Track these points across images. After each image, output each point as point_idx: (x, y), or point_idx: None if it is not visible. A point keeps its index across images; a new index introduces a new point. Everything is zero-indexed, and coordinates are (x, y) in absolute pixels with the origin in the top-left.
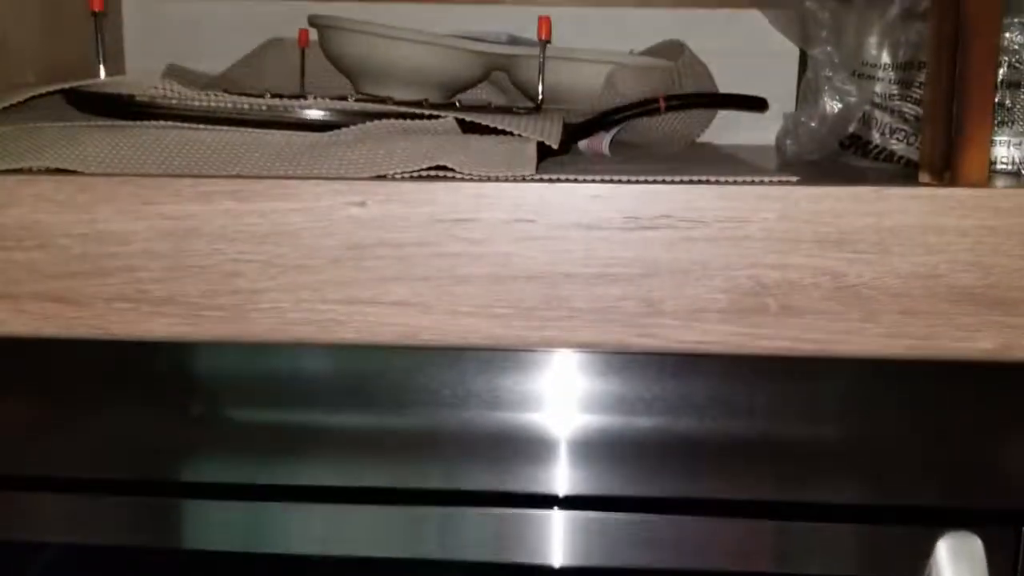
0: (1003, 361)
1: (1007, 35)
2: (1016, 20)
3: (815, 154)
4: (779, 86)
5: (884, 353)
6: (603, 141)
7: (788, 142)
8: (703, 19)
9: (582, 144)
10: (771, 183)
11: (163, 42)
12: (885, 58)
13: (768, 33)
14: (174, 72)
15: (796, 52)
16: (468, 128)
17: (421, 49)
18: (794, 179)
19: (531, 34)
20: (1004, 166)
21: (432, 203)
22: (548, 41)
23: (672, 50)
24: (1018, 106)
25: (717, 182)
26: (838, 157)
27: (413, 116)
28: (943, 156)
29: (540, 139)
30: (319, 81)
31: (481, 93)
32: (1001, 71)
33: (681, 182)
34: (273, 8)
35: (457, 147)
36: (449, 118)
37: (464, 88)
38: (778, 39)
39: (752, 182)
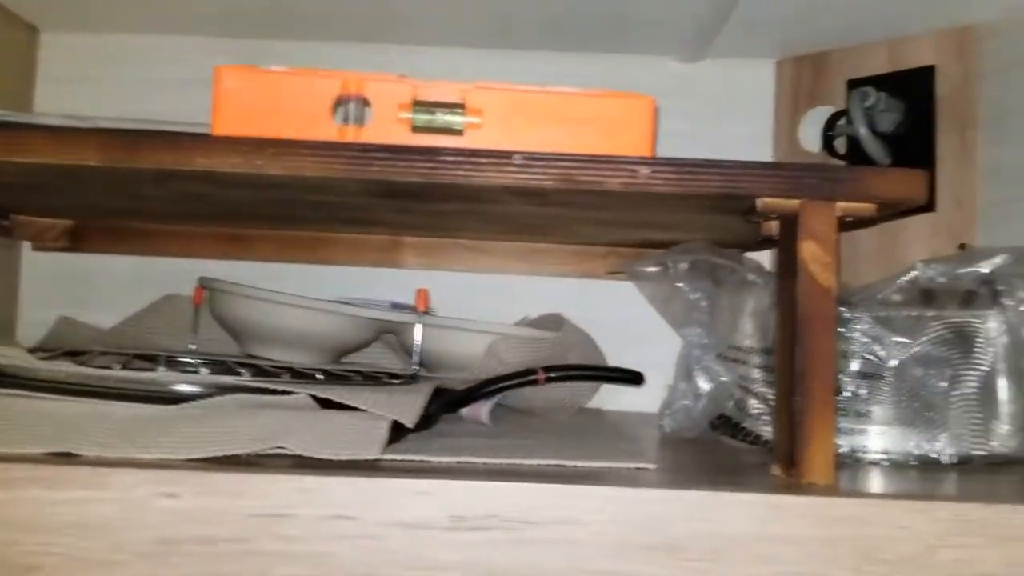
0: None
1: (857, 328)
2: (865, 314)
3: (692, 432)
4: (661, 354)
5: None
6: (483, 409)
7: (667, 418)
8: (593, 288)
9: (464, 411)
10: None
11: (60, 292)
12: (754, 342)
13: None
14: (64, 325)
15: None
16: (324, 403)
17: (305, 314)
18: (652, 467)
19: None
20: (868, 456)
21: (248, 496)
22: (426, 312)
23: (553, 321)
24: (878, 398)
25: (560, 467)
26: (711, 434)
27: (266, 391)
28: (792, 450)
29: (394, 417)
30: (214, 338)
31: (374, 353)
32: (855, 363)
33: (520, 471)
34: (170, 265)
35: (305, 426)
36: (303, 394)
37: (354, 350)
38: None
39: (608, 469)
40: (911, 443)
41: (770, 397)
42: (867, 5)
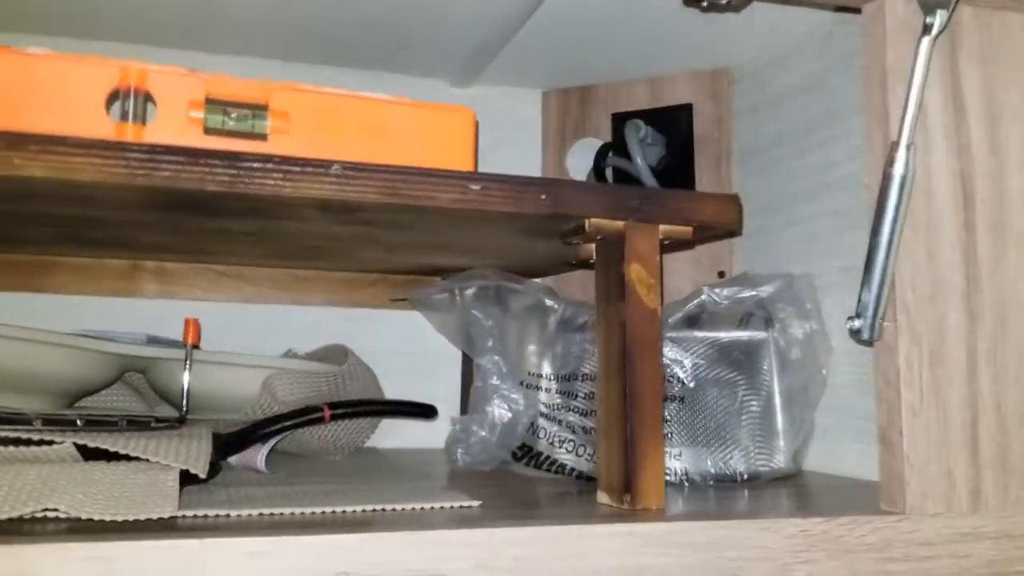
0: None
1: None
2: (665, 335)
3: (488, 464)
4: (445, 387)
5: None
6: (259, 455)
7: (459, 451)
8: (365, 317)
9: (235, 457)
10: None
11: None
12: (547, 368)
13: (430, 333)
14: None
15: (459, 352)
16: (92, 454)
17: (34, 349)
18: (475, 504)
19: (174, 332)
20: (669, 478)
21: (21, 572)
22: (196, 346)
23: (336, 353)
24: (676, 420)
25: (382, 511)
26: (509, 466)
27: (17, 441)
28: (622, 477)
29: (183, 467)
30: None
31: (113, 396)
32: None
33: (351, 521)
34: None
35: (74, 482)
36: (66, 443)
37: (90, 393)
38: (441, 339)
39: (432, 510)
40: (708, 463)
41: (572, 420)
42: (629, 44)
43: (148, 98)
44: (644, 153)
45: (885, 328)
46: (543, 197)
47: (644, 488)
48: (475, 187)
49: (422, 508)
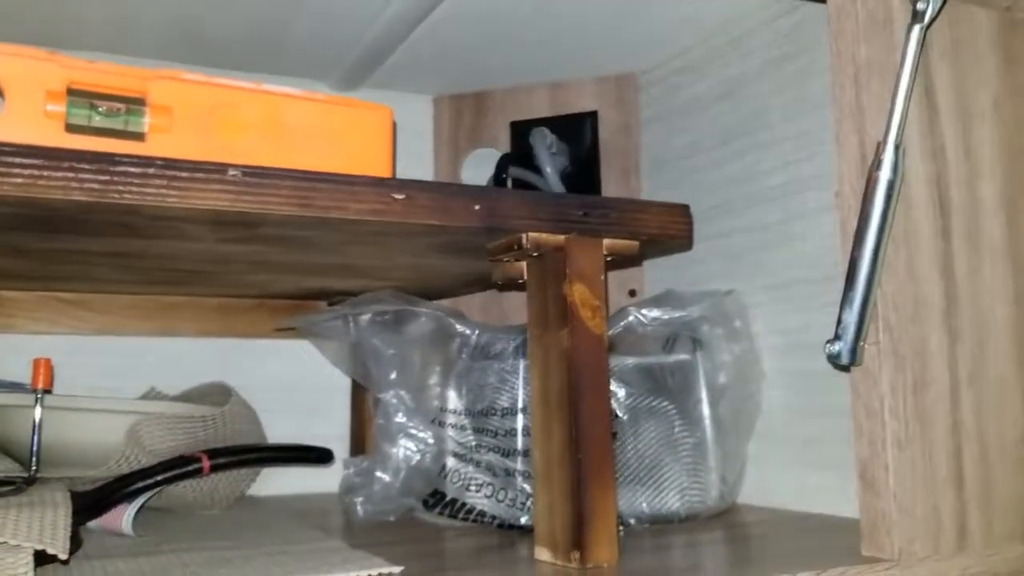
0: None
1: None
2: None
3: (391, 513)
4: (332, 424)
5: None
6: (124, 515)
7: (358, 500)
8: (238, 348)
9: (95, 521)
10: None
11: None
12: (458, 403)
13: (314, 365)
14: None
15: (348, 385)
16: None
17: None
18: (397, 570)
19: (15, 374)
20: None
21: None
22: (48, 391)
23: (215, 392)
24: None
25: None
26: (416, 514)
27: None
28: (568, 531)
29: (38, 547)
30: None
31: None
32: None
33: None
34: None
35: None
36: None
37: None
38: (326, 371)
39: None
40: (643, 504)
41: (491, 460)
42: (528, 47)
43: None
44: (551, 163)
45: (866, 351)
46: (476, 207)
47: (596, 543)
48: (399, 196)
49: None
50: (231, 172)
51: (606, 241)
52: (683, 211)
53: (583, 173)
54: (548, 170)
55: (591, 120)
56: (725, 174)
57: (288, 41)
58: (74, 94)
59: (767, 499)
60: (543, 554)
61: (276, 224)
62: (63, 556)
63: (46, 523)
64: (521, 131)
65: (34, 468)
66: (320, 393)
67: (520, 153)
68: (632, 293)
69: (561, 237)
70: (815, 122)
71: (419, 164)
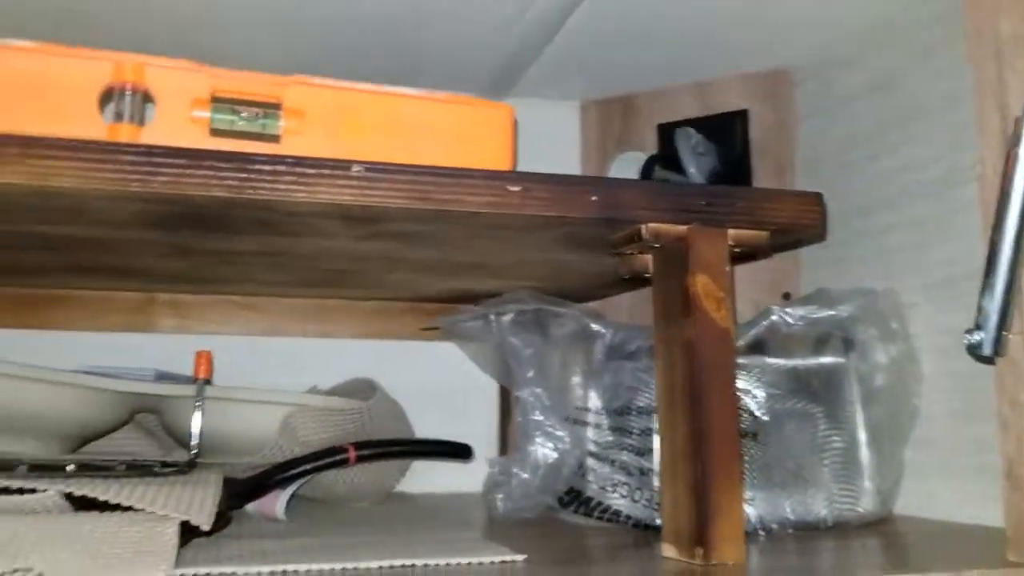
0: None
1: None
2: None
3: (531, 511)
4: (481, 425)
5: None
6: (278, 502)
7: (499, 496)
8: (394, 350)
9: (252, 505)
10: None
11: None
12: (595, 402)
13: (465, 366)
14: None
15: (496, 387)
16: (84, 504)
17: (35, 389)
18: (520, 558)
19: (186, 368)
20: (752, 525)
21: None
22: (208, 380)
23: (361, 388)
24: (748, 459)
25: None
26: (555, 512)
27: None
28: (692, 526)
29: (184, 518)
30: None
31: (123, 439)
32: None
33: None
34: None
35: (57, 536)
36: (51, 491)
37: (99, 435)
38: (476, 372)
39: (470, 566)
40: (786, 508)
41: (626, 460)
42: (673, 47)
43: (147, 96)
44: (697, 164)
45: (1011, 341)
46: (593, 198)
47: (720, 540)
48: (514, 188)
49: (458, 564)
50: (354, 168)
51: (731, 231)
52: (815, 199)
53: (734, 173)
54: (692, 170)
55: (741, 119)
56: (881, 169)
57: (429, 54)
58: (218, 101)
59: (927, 510)
60: (668, 550)
61: (398, 218)
62: (205, 528)
63: (195, 499)
64: (668, 133)
65: (194, 454)
66: (470, 394)
67: (667, 155)
68: (786, 296)
69: (683, 227)
70: (972, 112)
71: (566, 168)
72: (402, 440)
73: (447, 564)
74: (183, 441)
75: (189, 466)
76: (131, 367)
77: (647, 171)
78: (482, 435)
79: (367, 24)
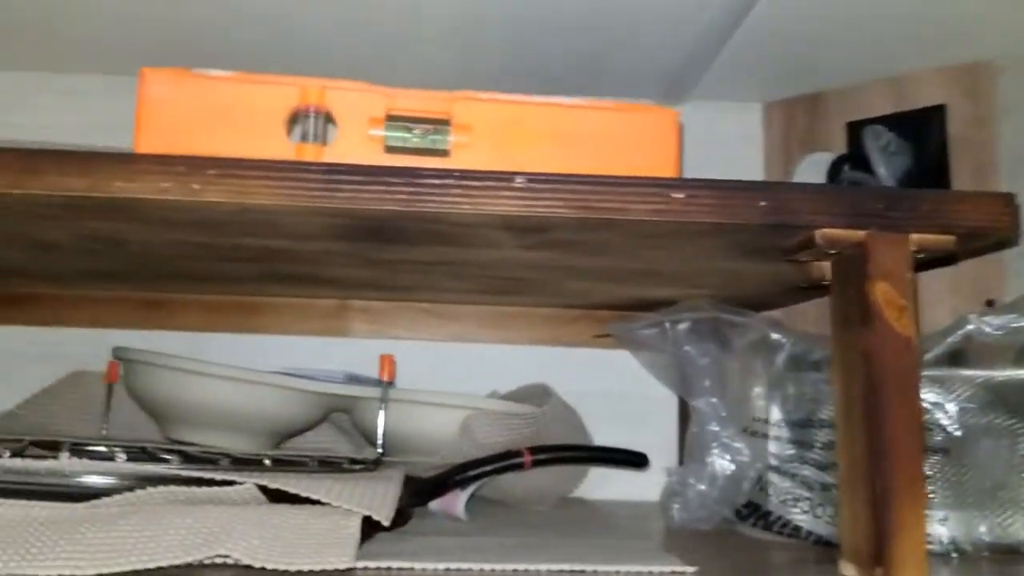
0: None
1: None
2: (923, 374)
3: (707, 523)
4: (659, 434)
5: None
6: (458, 501)
7: (675, 506)
8: (569, 356)
9: (434, 504)
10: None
11: None
12: (776, 413)
13: (643, 373)
14: None
15: (675, 396)
16: (277, 496)
17: (243, 389)
18: (690, 570)
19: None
20: (933, 547)
21: None
22: (391, 383)
23: (536, 394)
24: (940, 476)
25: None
26: (732, 525)
27: (199, 481)
28: (872, 545)
29: (366, 513)
30: (131, 422)
31: (319, 437)
32: None
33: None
34: (74, 337)
35: (251, 526)
36: (248, 484)
37: (297, 432)
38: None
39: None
40: (982, 529)
41: (807, 474)
42: (862, 42)
43: (328, 117)
44: (888, 163)
45: None
46: (761, 204)
47: (901, 560)
48: (678, 195)
49: (627, 572)
50: (517, 180)
51: (914, 236)
52: (1006, 200)
53: (930, 172)
54: (882, 171)
55: (938, 115)
56: None
57: (606, 62)
58: (392, 119)
59: None
60: (848, 568)
61: (562, 227)
62: (386, 523)
63: (376, 495)
64: (858, 132)
65: (379, 451)
66: (646, 403)
67: (856, 155)
68: (989, 303)
69: (860, 233)
70: None
71: (748, 173)
72: (577, 445)
73: (616, 571)
74: (371, 440)
75: (375, 464)
76: (324, 369)
77: (834, 173)
78: (660, 444)
79: (545, 33)
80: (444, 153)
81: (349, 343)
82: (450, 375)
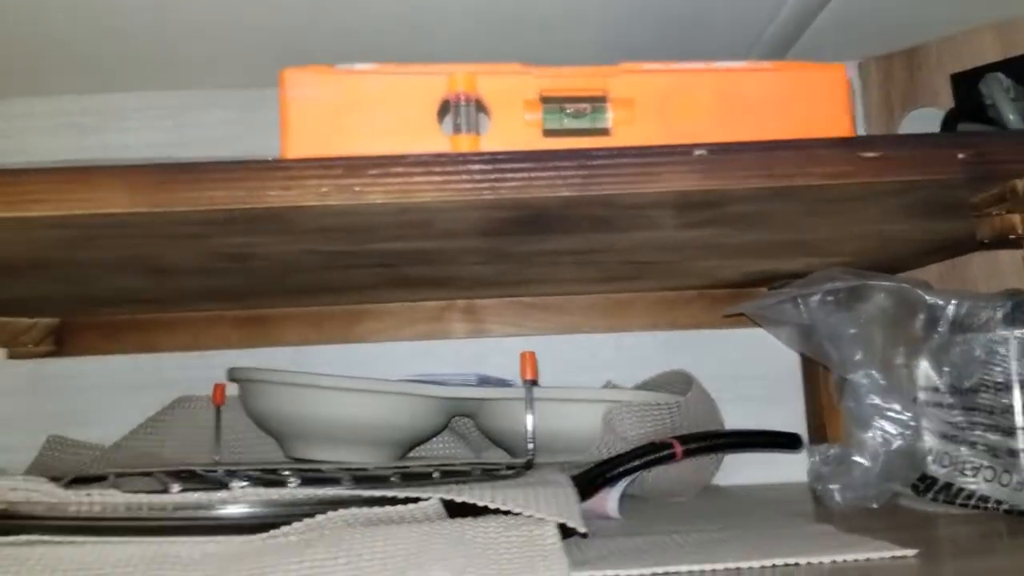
0: None
1: None
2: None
3: (873, 500)
4: (785, 413)
5: None
6: (609, 499)
7: (836, 487)
8: (683, 340)
9: (586, 503)
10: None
11: (40, 406)
12: (943, 379)
13: (760, 353)
14: (55, 446)
15: (799, 372)
16: (455, 510)
17: (369, 400)
18: (911, 553)
19: (491, 370)
20: None
21: None
22: (535, 382)
23: (675, 381)
24: None
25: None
26: (897, 499)
27: (382, 501)
28: None
29: (561, 520)
30: (240, 445)
31: (438, 443)
32: None
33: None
34: (175, 361)
35: (450, 545)
36: (433, 499)
37: (423, 441)
38: (773, 359)
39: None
40: None
41: (992, 439)
42: None
43: (479, 105)
44: (1017, 110)
45: None
46: (960, 156)
47: None
48: (869, 155)
49: (844, 561)
50: (696, 152)
51: None
52: None
53: None
54: (1011, 117)
55: None
56: None
57: (701, 24)
58: (546, 101)
59: None
60: None
61: (740, 199)
62: (582, 529)
63: (561, 500)
64: (965, 83)
65: (531, 454)
66: (767, 381)
67: (968, 107)
68: None
69: None
70: None
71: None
72: (728, 432)
73: (832, 562)
74: (501, 442)
75: (526, 467)
76: (450, 373)
77: (947, 128)
78: (787, 423)
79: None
80: (604, 132)
81: (452, 344)
82: (563, 368)
